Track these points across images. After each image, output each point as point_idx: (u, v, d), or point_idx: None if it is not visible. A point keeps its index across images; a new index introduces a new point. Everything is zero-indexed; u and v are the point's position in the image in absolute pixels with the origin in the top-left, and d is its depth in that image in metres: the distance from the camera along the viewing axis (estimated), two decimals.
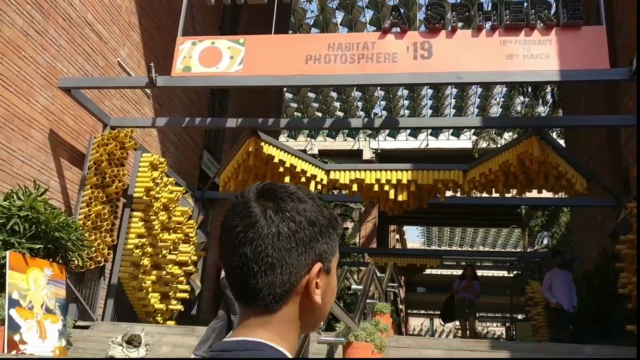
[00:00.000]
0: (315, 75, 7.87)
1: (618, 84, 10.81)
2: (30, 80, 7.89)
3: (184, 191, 10.87)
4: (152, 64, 8.07)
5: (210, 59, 8.05)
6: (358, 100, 25.34)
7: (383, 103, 25.25)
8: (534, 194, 11.15)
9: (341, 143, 26.74)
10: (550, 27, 7.49)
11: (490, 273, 30.49)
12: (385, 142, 26.40)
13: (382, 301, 8.40)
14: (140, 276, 9.21)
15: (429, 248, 36.20)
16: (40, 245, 6.41)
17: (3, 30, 7.34)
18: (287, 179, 9.72)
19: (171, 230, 10.12)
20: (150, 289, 9.39)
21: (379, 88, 23.15)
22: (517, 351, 7.20)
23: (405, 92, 24.13)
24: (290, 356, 0.94)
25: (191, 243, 10.68)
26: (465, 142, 25.45)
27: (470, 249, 36.73)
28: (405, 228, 36.81)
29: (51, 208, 6.76)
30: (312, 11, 21.94)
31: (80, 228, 7.45)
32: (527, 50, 7.51)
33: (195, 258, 10.92)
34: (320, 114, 26.03)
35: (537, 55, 7.46)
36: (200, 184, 13.26)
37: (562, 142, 17.04)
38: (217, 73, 8.05)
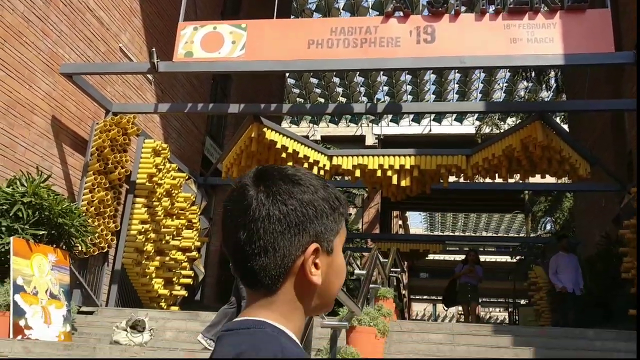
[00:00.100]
0: (318, 59, 7.83)
1: (622, 68, 10.74)
2: (32, 66, 7.87)
3: (186, 177, 10.87)
4: (153, 50, 8.03)
5: (212, 44, 8.01)
6: (361, 86, 25.23)
7: (386, 88, 25.14)
8: (537, 179, 11.13)
9: (344, 129, 26.68)
10: (555, 11, 7.42)
11: (493, 258, 30.53)
12: (388, 128, 26.32)
13: (385, 286, 8.42)
14: (143, 262, 9.24)
15: (431, 234, 36.23)
16: (43, 232, 6.43)
17: (4, 16, 7.31)
18: (289, 165, 9.70)
19: (174, 216, 10.14)
20: (153, 275, 9.43)
21: (381, 73, 23.05)
22: (520, 335, 7.22)
23: (408, 77, 24.01)
24: (293, 336, 0.94)
25: (194, 229, 10.71)
26: (468, 127, 25.36)
27: (473, 235, 36.74)
28: (408, 214, 36.83)
29: (54, 194, 6.77)
30: None
31: (84, 214, 7.47)
32: (531, 34, 7.45)
33: (198, 244, 10.95)
34: (322, 100, 25.95)
35: (541, 39, 7.40)
36: (202, 170, 13.26)
37: (565, 127, 16.96)
38: (219, 58, 8.01)
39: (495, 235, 37.09)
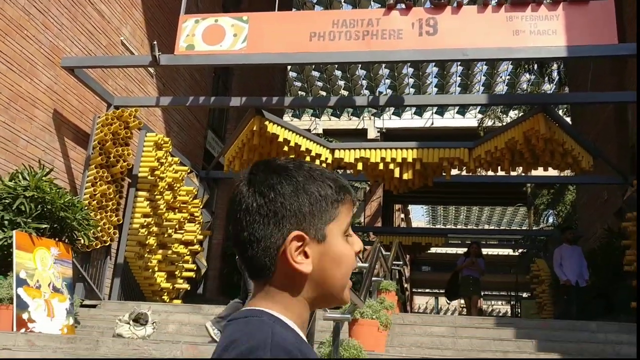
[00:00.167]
0: (320, 52, 7.80)
1: (626, 59, 10.69)
2: (33, 60, 7.85)
3: (188, 171, 10.88)
4: (155, 43, 8.01)
5: (213, 37, 7.98)
6: (363, 79, 25.16)
7: (388, 81, 25.07)
8: (539, 171, 11.11)
9: (346, 122, 26.63)
10: (558, 2, 7.37)
11: (495, 251, 30.51)
12: (390, 121, 26.27)
13: (388, 279, 8.43)
14: (146, 255, 9.26)
15: (433, 227, 36.22)
16: (46, 225, 6.43)
17: (5, 9, 7.29)
18: (290, 157, 9.68)
19: (176, 210, 10.15)
20: (156, 268, 9.44)
21: (383, 66, 22.98)
22: (522, 328, 7.23)
23: (410, 70, 23.94)
24: (292, 324, 0.95)
25: (196, 222, 10.72)
26: (470, 120, 25.29)
27: (475, 228, 36.72)
28: (410, 207, 36.85)
29: (56, 188, 6.78)
30: None
31: (86, 208, 7.47)
32: (533, 26, 7.41)
33: (200, 237, 10.97)
34: (324, 93, 25.89)
35: (543, 31, 7.36)
36: (204, 164, 13.26)
37: (568, 120, 16.91)
38: (221, 51, 7.98)
39: (497, 228, 37.07)
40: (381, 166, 9.83)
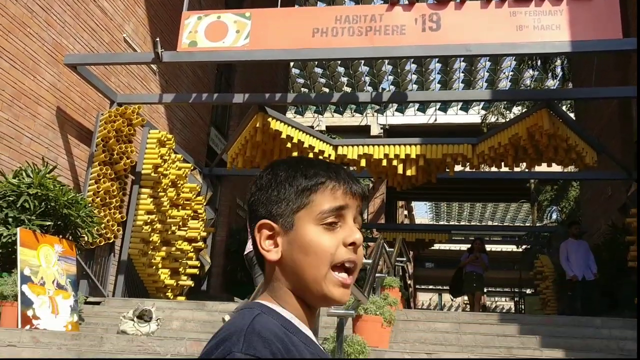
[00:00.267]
0: (323, 48, 7.79)
1: (630, 54, 10.64)
2: (36, 57, 7.86)
3: (192, 168, 10.88)
4: (157, 39, 8.01)
5: (216, 33, 7.98)
6: (365, 76, 25.13)
7: (391, 78, 25.04)
8: (543, 167, 11.09)
9: (349, 119, 26.59)
10: None
11: (499, 248, 30.49)
12: (393, 118, 26.23)
13: (391, 276, 8.42)
14: (150, 252, 9.27)
15: (437, 223, 36.20)
16: (50, 222, 6.44)
17: (8, 7, 7.29)
18: (294, 155, 9.69)
19: (180, 207, 10.15)
20: (160, 265, 9.46)
21: (386, 62, 22.96)
22: (526, 324, 7.21)
23: (414, 66, 23.91)
24: (287, 315, 0.96)
25: (200, 219, 10.73)
26: (474, 116, 25.25)
27: (478, 224, 36.70)
28: (414, 204, 36.82)
29: (60, 185, 6.78)
30: None
31: (90, 205, 7.48)
32: (537, 21, 7.38)
33: (204, 234, 10.97)
34: (327, 90, 25.86)
35: (547, 26, 7.33)
36: (208, 161, 13.27)
37: (572, 115, 16.87)
38: (224, 48, 7.98)
39: (501, 224, 37.04)
40: (384, 162, 9.81)
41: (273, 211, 1.00)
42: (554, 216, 25.66)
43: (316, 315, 0.92)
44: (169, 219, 9.76)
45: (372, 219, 23.76)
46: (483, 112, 24.45)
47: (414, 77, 24.86)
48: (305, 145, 9.56)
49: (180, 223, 10.05)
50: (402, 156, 9.70)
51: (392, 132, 24.92)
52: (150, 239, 9.23)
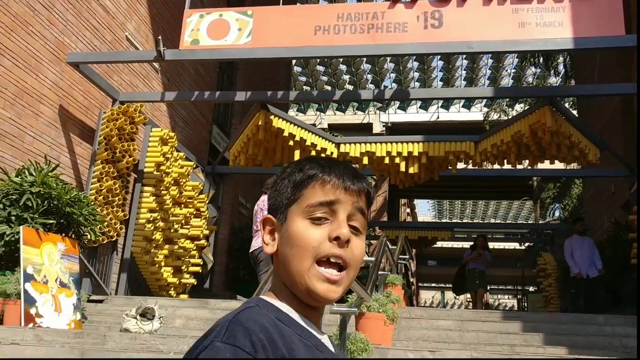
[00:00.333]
0: (325, 46, 7.78)
1: (632, 51, 10.61)
2: (39, 56, 7.87)
3: (194, 166, 10.88)
4: (159, 37, 8.00)
5: (218, 31, 7.97)
6: (367, 73, 25.10)
7: (393, 75, 25.01)
8: (545, 165, 11.06)
9: (351, 117, 26.56)
10: None
11: (501, 245, 30.47)
12: (395, 115, 26.19)
13: (394, 273, 8.42)
14: (152, 250, 9.28)
15: (439, 221, 36.18)
16: (52, 221, 6.45)
17: (10, 5, 7.30)
18: (297, 153, 9.68)
19: (182, 205, 10.16)
20: (162, 263, 9.47)
21: (388, 60, 22.94)
22: (529, 321, 7.21)
23: (416, 64, 23.88)
24: (285, 308, 0.96)
25: (202, 217, 10.73)
26: (476, 114, 25.21)
27: (481, 222, 36.67)
28: (416, 202, 36.79)
29: (63, 183, 6.79)
30: None
31: (92, 203, 7.49)
32: (539, 18, 7.36)
33: (207, 232, 10.98)
34: (329, 88, 25.84)
35: (549, 23, 7.31)
36: (210, 159, 13.27)
37: (574, 113, 16.83)
38: (226, 46, 7.97)
39: (503, 222, 37.02)
40: (387, 160, 9.80)
41: (273, 206, 1.04)
42: (557, 214, 25.63)
43: (321, 309, 0.90)
44: (172, 217, 9.77)
45: (375, 217, 23.75)
46: (485, 109, 24.41)
47: (416, 74, 24.83)
48: (308, 143, 9.55)
49: (183, 221, 10.06)
50: (405, 154, 9.68)
51: (395, 129, 24.89)
52: (153, 237, 9.24)
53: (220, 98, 11.91)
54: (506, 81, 25.29)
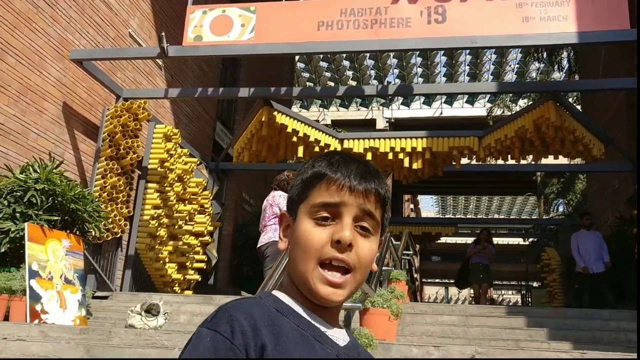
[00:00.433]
0: (328, 41, 7.77)
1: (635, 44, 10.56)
2: (42, 53, 7.87)
3: (198, 162, 10.89)
4: (163, 34, 8.00)
5: (221, 27, 7.96)
6: (371, 69, 25.08)
7: (396, 71, 24.99)
8: (549, 160, 11.04)
9: (354, 113, 26.56)
10: None
11: (505, 241, 30.43)
12: (398, 111, 26.18)
13: (398, 269, 8.41)
14: (157, 247, 9.29)
15: (443, 217, 36.15)
16: (57, 217, 6.46)
17: (14, 3, 7.30)
18: (300, 149, 9.69)
19: (186, 201, 10.18)
20: (167, 260, 9.48)
21: (392, 56, 22.90)
22: (534, 316, 7.20)
23: (419, 59, 23.84)
24: (290, 302, 0.97)
25: (207, 214, 10.75)
26: (479, 109, 25.18)
27: (485, 217, 36.62)
28: (420, 197, 36.76)
29: (67, 180, 6.80)
30: None
31: (96, 200, 7.50)
32: (543, 12, 7.33)
33: (211, 228, 11.00)
34: (332, 84, 25.82)
35: (554, 17, 7.28)
36: (214, 155, 13.28)
37: (578, 108, 16.78)
38: (229, 42, 7.96)
39: (507, 217, 36.96)
40: (390, 156, 9.79)
41: (289, 202, 1.05)
42: (561, 209, 25.59)
43: (331, 306, 0.89)
44: (176, 214, 9.78)
45: None
46: (489, 105, 24.38)
47: (420, 70, 24.80)
48: (311, 139, 9.55)
49: (187, 217, 10.07)
50: (408, 149, 9.68)
51: (398, 125, 24.88)
52: (157, 234, 9.25)
53: (224, 94, 11.91)
54: (510, 76, 25.24)
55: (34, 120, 7.68)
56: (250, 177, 14.85)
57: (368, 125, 25.06)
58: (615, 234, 10.94)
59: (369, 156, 9.98)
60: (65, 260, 6.37)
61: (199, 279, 10.47)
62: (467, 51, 21.71)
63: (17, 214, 6.20)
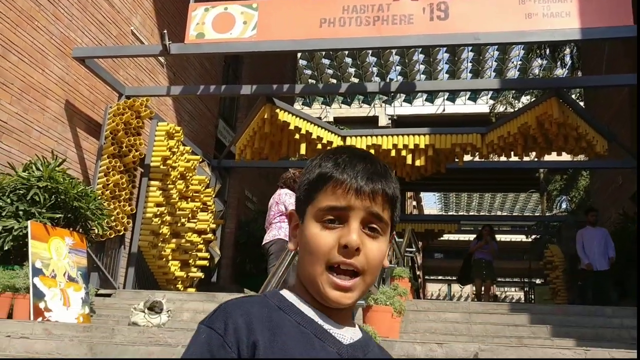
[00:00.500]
0: (330, 38, 7.75)
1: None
2: (45, 51, 7.87)
3: (200, 160, 10.90)
4: (165, 31, 8.00)
5: (223, 24, 7.95)
6: (373, 66, 25.05)
7: (399, 68, 24.97)
8: (552, 157, 11.02)
9: (356, 110, 26.55)
10: None
11: (508, 238, 30.43)
12: (401, 108, 26.16)
13: (401, 266, 8.41)
14: (159, 244, 9.30)
15: (446, 214, 36.14)
16: (60, 215, 6.47)
17: (16, 1, 7.30)
18: (302, 146, 9.68)
19: (189, 199, 10.18)
20: (170, 257, 9.49)
21: (394, 53, 22.87)
22: (537, 313, 7.20)
23: (421, 56, 23.81)
24: (294, 300, 0.96)
25: (209, 211, 10.75)
26: (482, 106, 25.15)
27: (487, 214, 36.60)
28: (423, 194, 36.75)
29: (70, 178, 6.81)
30: None
31: (99, 197, 7.50)
32: (546, 8, 7.30)
33: (213, 226, 11.00)
34: (334, 81, 25.80)
35: (557, 14, 7.25)
36: (216, 153, 13.28)
37: (581, 104, 16.74)
38: (231, 39, 7.95)
39: (510, 214, 36.94)
40: (393, 153, 9.78)
41: (297, 201, 1.04)
42: (564, 206, 25.56)
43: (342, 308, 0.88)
44: (179, 211, 9.79)
45: None
46: (491, 101, 24.34)
47: (422, 67, 24.77)
48: (314, 136, 9.54)
49: (190, 215, 10.08)
50: (411, 146, 9.66)
51: (400, 122, 24.86)
52: (160, 231, 9.26)
53: (226, 92, 11.91)
54: (512, 73, 25.20)
55: (36, 118, 7.68)
56: (253, 174, 14.86)
57: (370, 122, 25.04)
58: (619, 231, 10.92)
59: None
60: (69, 258, 6.38)
61: (202, 277, 10.48)
62: (470, 48, 21.65)
63: (20, 212, 6.21)
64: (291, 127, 9.33)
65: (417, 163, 9.74)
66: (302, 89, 13.04)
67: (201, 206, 10.50)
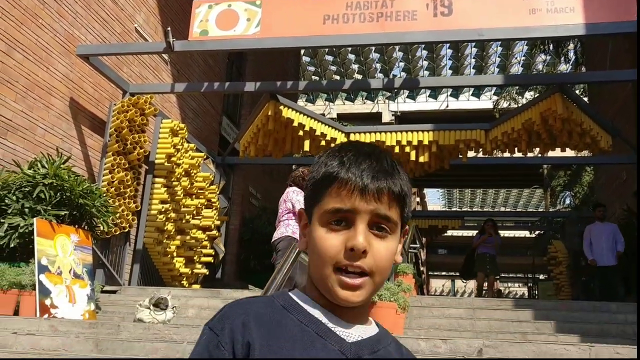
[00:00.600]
0: (334, 35, 7.75)
1: None
2: (49, 49, 7.90)
3: (204, 157, 10.92)
4: (169, 29, 8.01)
5: (227, 21, 7.97)
6: (376, 62, 25.01)
7: (402, 64, 24.91)
8: (556, 152, 10.99)
9: (360, 106, 26.51)
10: None
11: (511, 234, 30.37)
12: (404, 104, 26.12)
13: (405, 262, 8.42)
14: (164, 241, 9.33)
15: (450, 210, 36.11)
16: (65, 212, 6.50)
17: None
18: (306, 143, 9.69)
19: (193, 196, 10.21)
20: (175, 254, 9.52)
21: (397, 49, 22.83)
22: (541, 309, 7.20)
23: (425, 52, 23.76)
24: (298, 300, 0.97)
25: (214, 208, 10.78)
26: (485, 102, 25.08)
27: (491, 210, 36.55)
28: (426, 191, 36.73)
29: (75, 175, 6.83)
30: None
31: (104, 195, 7.53)
32: (550, 4, 7.29)
33: (218, 223, 11.04)
34: (338, 77, 25.78)
35: (561, 9, 7.25)
36: (220, 150, 13.30)
37: (585, 100, 16.70)
38: (234, 36, 7.97)
39: (513, 210, 36.88)
40: (397, 149, 9.78)
41: (304, 200, 1.03)
42: (567, 201, 25.52)
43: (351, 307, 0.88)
44: (183, 208, 9.82)
45: None
46: (495, 97, 24.29)
47: (425, 63, 24.71)
48: (317, 133, 9.54)
49: (194, 212, 10.11)
50: (415, 143, 9.66)
51: (404, 118, 24.83)
52: (165, 228, 9.29)
53: (230, 89, 11.92)
54: (516, 69, 25.12)
55: (41, 115, 7.71)
56: (257, 171, 14.88)
57: (374, 118, 25.01)
58: (623, 227, 10.89)
59: None
60: (74, 255, 6.41)
61: (207, 273, 10.51)
62: (473, 44, 21.61)
63: (26, 209, 6.24)
64: (295, 123, 9.34)
65: (421, 159, 9.74)
66: (306, 86, 13.04)
67: (205, 203, 10.52)
